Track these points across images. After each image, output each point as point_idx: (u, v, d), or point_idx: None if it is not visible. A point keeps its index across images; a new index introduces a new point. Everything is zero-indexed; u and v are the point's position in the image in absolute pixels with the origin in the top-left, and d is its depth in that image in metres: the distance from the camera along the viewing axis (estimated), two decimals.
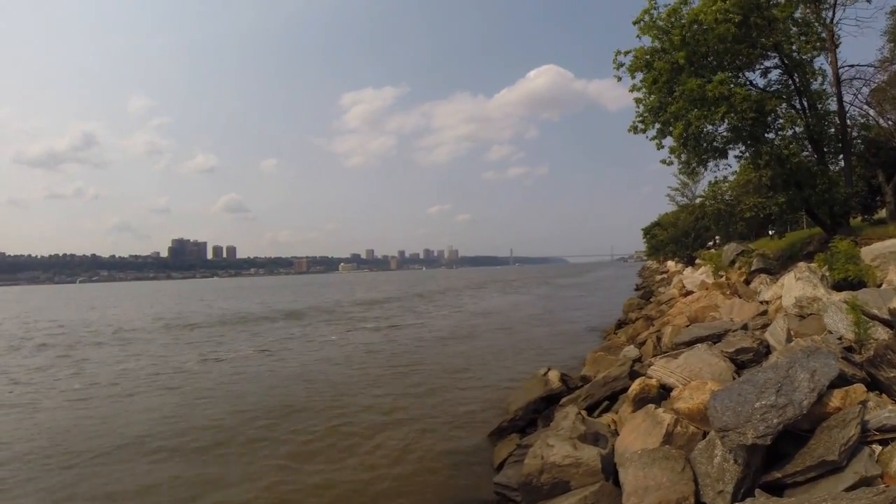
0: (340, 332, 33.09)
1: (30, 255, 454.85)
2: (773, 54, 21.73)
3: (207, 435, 13.11)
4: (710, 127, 20.84)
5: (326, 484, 9.95)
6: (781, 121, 21.46)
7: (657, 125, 21.74)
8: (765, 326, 11.48)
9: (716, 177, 24.74)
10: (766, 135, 21.16)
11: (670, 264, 73.79)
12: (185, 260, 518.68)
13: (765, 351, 9.96)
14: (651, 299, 34.18)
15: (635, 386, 9.47)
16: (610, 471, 7.61)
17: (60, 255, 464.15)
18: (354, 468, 10.63)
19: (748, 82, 22.20)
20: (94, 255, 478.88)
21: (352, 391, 17.02)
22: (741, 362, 9.77)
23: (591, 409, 10.70)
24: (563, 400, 11.70)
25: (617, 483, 7.32)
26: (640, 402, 9.08)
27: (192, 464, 11.25)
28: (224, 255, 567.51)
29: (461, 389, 16.69)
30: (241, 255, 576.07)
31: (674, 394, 8.65)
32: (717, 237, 53.85)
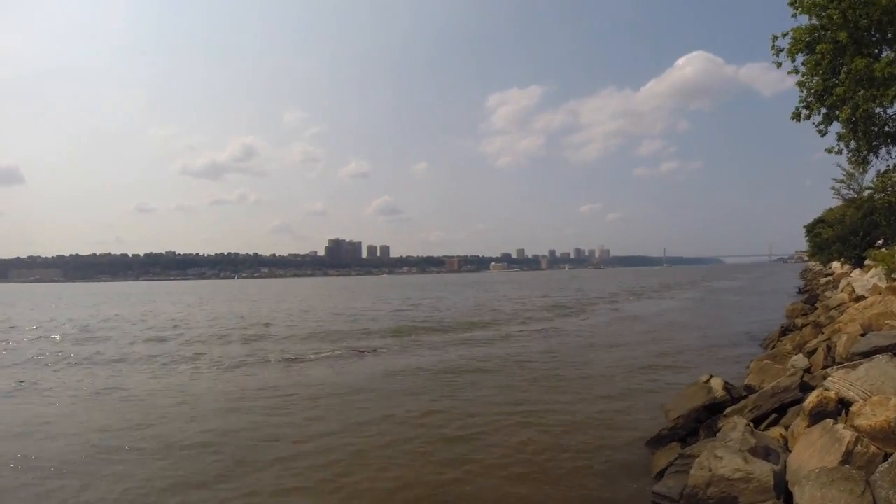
0: (485, 334, 33.29)
1: (197, 254, 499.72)
2: None
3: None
4: (880, 109, 19.32)
5: (478, 488, 10.11)
6: None
7: (822, 110, 20.38)
8: None
9: (887, 165, 22.94)
10: None
11: (836, 265, 68.66)
12: (342, 259, 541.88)
13: None
14: (816, 304, 32.13)
15: (812, 398, 8.94)
16: (781, 489, 7.30)
17: (225, 253, 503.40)
18: (507, 471, 10.77)
19: None
20: (255, 254, 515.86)
21: (503, 394, 17.21)
22: None
23: (757, 422, 10.25)
24: (728, 410, 11.26)
25: (788, 502, 7.02)
26: (816, 416, 8.58)
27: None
28: (378, 254, 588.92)
29: (615, 394, 16.57)
30: (394, 254, 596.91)
31: (853, 409, 8.13)
32: (884, 236, 49.67)
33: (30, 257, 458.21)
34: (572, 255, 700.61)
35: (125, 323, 46.51)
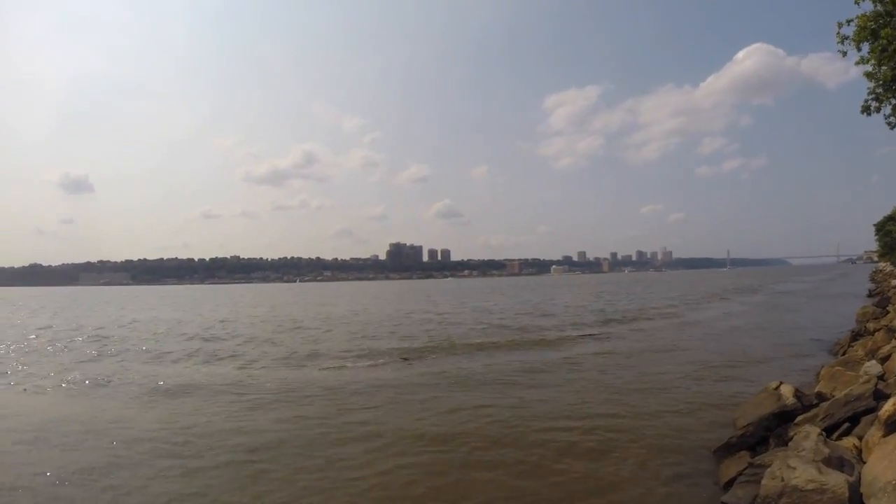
0: (547, 340, 33.16)
1: (261, 258, 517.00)
2: None
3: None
4: None
5: (541, 496, 10.14)
6: None
7: (893, 101, 19.51)
8: None
9: None
10: None
11: None
12: (402, 262, 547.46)
13: None
14: (888, 307, 31.01)
15: (888, 406, 8.67)
16: (856, 501, 7.15)
17: (288, 258, 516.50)
18: (570, 477, 10.80)
19: None
20: (318, 258, 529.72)
21: (563, 402, 17.01)
22: None
23: (829, 431, 10.00)
24: (799, 418, 11.02)
25: None
26: (892, 425, 8.35)
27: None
28: (439, 257, 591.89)
29: (680, 401, 16.34)
30: (454, 257, 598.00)
31: None
32: None
33: (99, 261, 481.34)
34: (634, 258, 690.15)
35: (189, 326, 47.48)
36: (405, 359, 26.16)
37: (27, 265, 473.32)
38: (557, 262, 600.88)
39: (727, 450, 11.09)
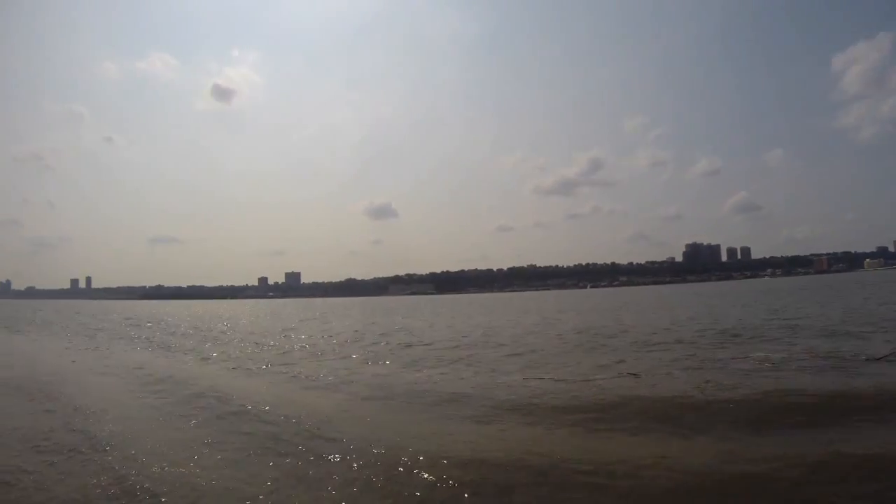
0: None
1: (557, 266, 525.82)
2: None
3: None
4: None
5: None
6: None
7: None
8: None
9: None
10: None
11: None
12: (700, 263, 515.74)
13: None
14: None
15: None
16: None
17: (583, 264, 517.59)
18: None
19: None
20: (613, 263, 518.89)
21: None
22: None
23: None
24: None
25: None
26: None
27: None
28: (738, 256, 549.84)
29: None
30: (755, 255, 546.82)
31: None
32: None
33: (406, 274, 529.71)
34: None
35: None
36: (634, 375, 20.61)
37: (344, 279, 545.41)
38: (871, 255, 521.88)
39: None
